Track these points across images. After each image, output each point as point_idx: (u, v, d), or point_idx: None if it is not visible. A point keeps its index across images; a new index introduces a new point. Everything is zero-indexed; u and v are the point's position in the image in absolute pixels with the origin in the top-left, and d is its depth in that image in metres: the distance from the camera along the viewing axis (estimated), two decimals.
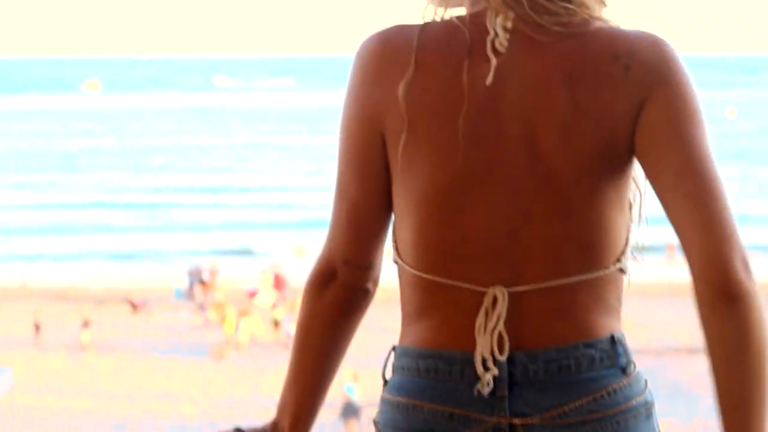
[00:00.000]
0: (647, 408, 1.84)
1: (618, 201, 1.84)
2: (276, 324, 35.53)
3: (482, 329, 1.79)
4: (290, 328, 34.78)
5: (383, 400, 1.88)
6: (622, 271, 1.86)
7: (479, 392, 1.79)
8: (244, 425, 2.03)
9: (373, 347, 32.11)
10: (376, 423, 1.88)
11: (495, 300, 1.79)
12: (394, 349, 1.90)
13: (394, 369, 1.89)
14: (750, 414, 1.71)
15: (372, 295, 2.00)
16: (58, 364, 30.44)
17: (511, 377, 1.79)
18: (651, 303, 35.33)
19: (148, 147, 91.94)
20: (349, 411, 22.72)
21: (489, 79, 1.81)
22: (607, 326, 1.83)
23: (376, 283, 2.00)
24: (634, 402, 1.83)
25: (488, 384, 1.78)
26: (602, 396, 1.80)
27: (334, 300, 1.96)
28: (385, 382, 1.90)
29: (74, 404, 25.30)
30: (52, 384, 27.78)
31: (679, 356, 29.88)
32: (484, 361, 1.78)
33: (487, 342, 1.78)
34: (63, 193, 68.20)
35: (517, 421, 1.78)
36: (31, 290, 49.33)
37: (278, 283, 39.33)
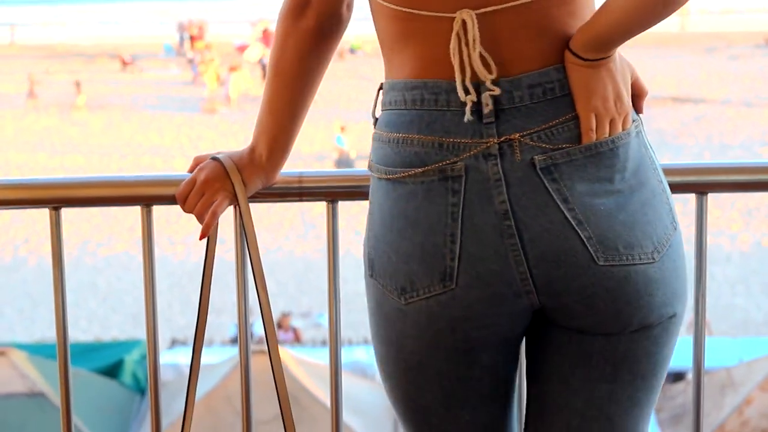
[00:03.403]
0: (636, 125, 1.81)
1: None
2: (265, 77, 35.57)
3: (456, 54, 1.74)
4: None
5: (374, 138, 1.84)
6: None
7: (468, 120, 1.74)
8: (220, 154, 2.03)
9: (359, 99, 32.22)
10: (370, 162, 1.85)
11: (465, 24, 1.73)
12: (381, 86, 1.86)
13: (383, 105, 1.84)
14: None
15: (346, 23, 1.95)
16: (49, 122, 30.60)
17: (497, 104, 1.73)
18: (638, 53, 35.33)
19: None
20: (343, 164, 23.03)
21: None
22: None
23: (350, 7, 1.95)
24: None
25: (472, 108, 1.73)
26: None
27: (308, 28, 1.93)
28: (376, 120, 1.86)
29: (67, 161, 25.55)
30: (44, 141, 27.98)
31: (665, 105, 30.00)
32: (466, 89, 1.73)
33: (467, 67, 1.73)
34: None
35: (506, 141, 1.73)
36: (21, 47, 49.07)
37: (266, 37, 39.15)
